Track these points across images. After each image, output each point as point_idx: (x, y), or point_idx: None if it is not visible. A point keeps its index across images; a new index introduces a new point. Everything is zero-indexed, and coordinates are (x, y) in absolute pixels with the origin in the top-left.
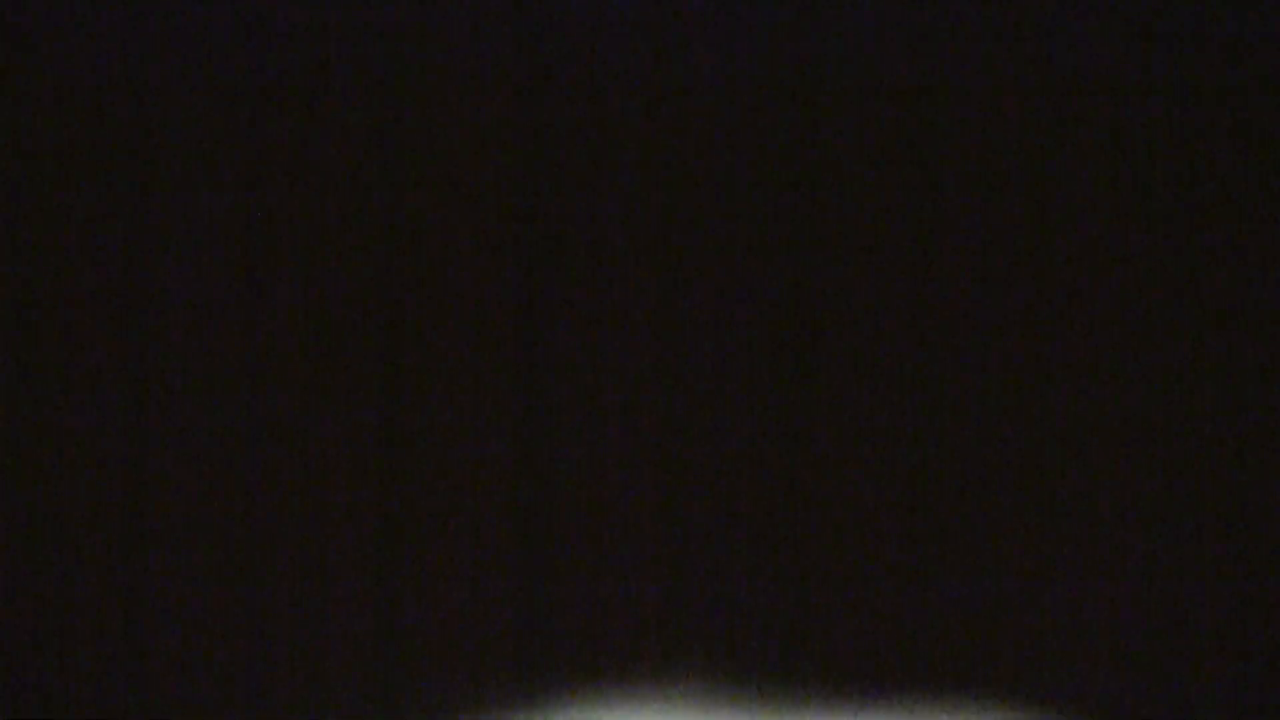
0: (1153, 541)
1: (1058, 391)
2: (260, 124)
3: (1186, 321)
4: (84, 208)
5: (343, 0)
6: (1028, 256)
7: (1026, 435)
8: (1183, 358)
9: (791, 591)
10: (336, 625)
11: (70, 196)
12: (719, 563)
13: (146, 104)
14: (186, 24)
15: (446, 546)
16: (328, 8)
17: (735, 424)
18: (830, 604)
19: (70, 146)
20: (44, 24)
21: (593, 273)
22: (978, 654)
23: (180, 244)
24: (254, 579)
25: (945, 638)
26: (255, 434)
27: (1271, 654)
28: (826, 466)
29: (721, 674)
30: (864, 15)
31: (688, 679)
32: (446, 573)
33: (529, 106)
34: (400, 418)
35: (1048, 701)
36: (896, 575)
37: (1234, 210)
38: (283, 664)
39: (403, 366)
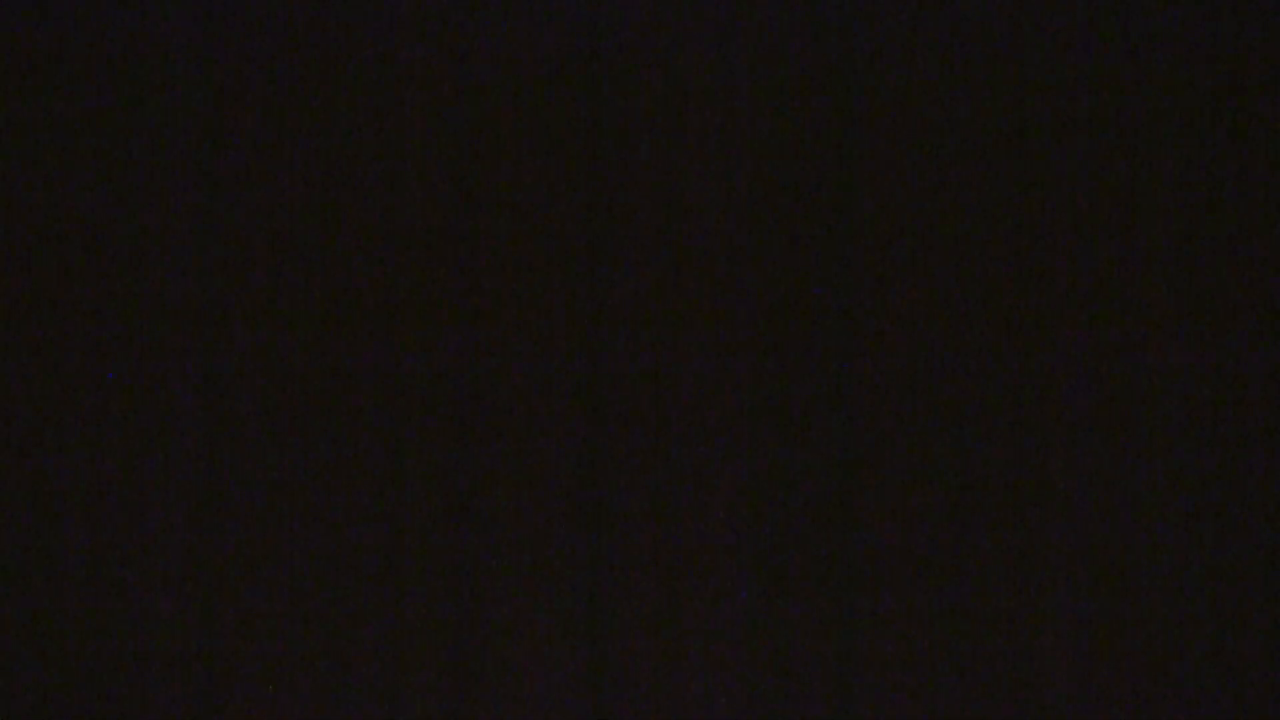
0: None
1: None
2: (310, 128)
3: (1241, 318)
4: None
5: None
6: (1057, 257)
7: (1047, 440)
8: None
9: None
10: (405, 663)
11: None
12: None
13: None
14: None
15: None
16: (384, 6)
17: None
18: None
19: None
20: (44, 24)
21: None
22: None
23: (247, 251)
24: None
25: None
26: (321, 481)
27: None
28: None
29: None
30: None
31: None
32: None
33: (586, 105)
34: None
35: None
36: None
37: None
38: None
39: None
